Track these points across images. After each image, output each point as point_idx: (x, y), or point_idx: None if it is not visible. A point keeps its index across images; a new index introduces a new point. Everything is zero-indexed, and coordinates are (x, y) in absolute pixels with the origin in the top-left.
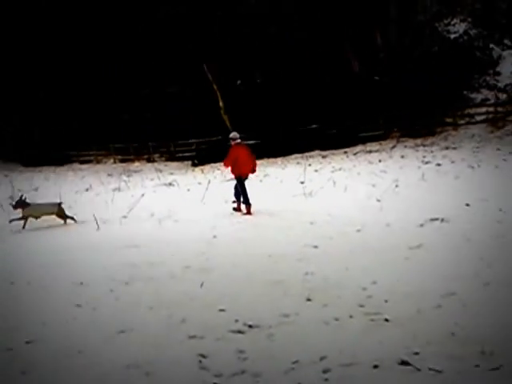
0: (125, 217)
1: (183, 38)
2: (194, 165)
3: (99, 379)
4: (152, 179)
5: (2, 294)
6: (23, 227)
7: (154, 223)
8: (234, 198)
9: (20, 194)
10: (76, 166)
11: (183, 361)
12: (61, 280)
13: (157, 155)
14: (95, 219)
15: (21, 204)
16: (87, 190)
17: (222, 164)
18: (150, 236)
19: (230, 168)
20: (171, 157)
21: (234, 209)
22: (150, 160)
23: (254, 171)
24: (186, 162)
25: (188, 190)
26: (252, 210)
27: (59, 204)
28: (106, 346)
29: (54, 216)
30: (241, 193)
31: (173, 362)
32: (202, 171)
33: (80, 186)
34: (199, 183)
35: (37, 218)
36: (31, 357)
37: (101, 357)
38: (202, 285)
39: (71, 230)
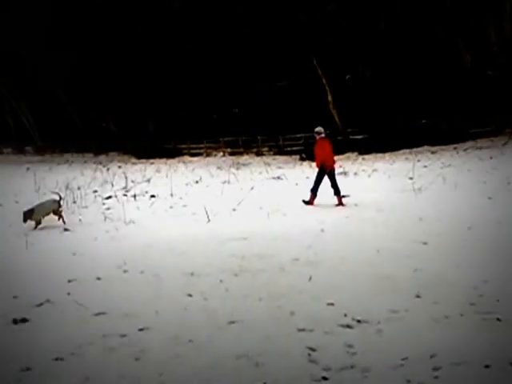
0: (234, 209)
1: (294, 33)
2: (302, 159)
3: (209, 368)
4: (260, 173)
5: (115, 282)
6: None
7: (262, 216)
8: (343, 193)
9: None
10: (186, 158)
11: (292, 353)
12: (173, 270)
13: (265, 149)
14: (205, 211)
15: (28, 214)
16: (197, 182)
17: (315, 161)
18: (259, 229)
19: (317, 163)
20: (279, 150)
21: (306, 202)
22: (258, 153)
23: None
24: (293, 156)
25: (296, 184)
26: (360, 204)
27: (59, 201)
28: (216, 336)
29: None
30: (315, 182)
31: (282, 353)
32: (310, 165)
33: (190, 178)
34: (307, 177)
35: (43, 217)
36: (144, 344)
37: (211, 346)
38: (310, 278)
39: (182, 222)
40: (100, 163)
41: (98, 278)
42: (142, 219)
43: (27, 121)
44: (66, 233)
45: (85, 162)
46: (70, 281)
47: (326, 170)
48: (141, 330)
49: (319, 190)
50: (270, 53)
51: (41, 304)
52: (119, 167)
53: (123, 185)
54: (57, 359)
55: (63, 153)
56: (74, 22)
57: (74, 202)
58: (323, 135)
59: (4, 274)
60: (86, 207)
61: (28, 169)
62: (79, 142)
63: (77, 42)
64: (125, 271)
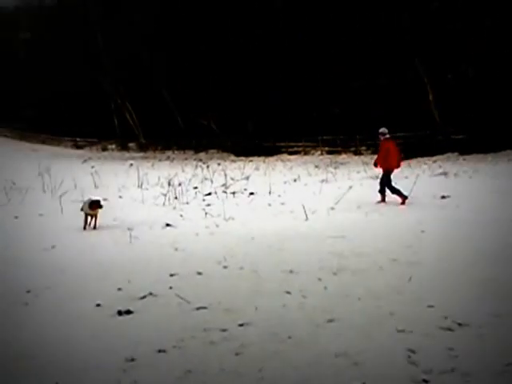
0: (332, 208)
1: (397, 32)
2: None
3: (308, 366)
4: (358, 172)
5: (216, 277)
6: (93, 226)
7: (360, 215)
8: (442, 193)
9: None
10: (284, 156)
11: (391, 354)
12: (271, 267)
13: (363, 148)
14: (304, 209)
15: (95, 204)
16: (295, 180)
17: (374, 161)
18: (357, 227)
19: (377, 162)
20: (377, 150)
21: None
22: (356, 153)
23: (399, 165)
24: None
25: (394, 183)
26: (461, 205)
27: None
28: (315, 334)
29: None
30: (387, 186)
31: (381, 354)
32: (410, 165)
33: (288, 176)
34: (406, 177)
35: None
36: (244, 339)
37: (310, 344)
38: (410, 279)
39: (281, 219)
40: (200, 160)
41: (199, 273)
42: (241, 216)
43: (131, 119)
44: (168, 228)
45: (185, 158)
46: (171, 275)
47: (392, 171)
48: (241, 325)
49: (404, 188)
50: (371, 52)
51: (144, 297)
52: (218, 164)
53: (223, 182)
54: (160, 351)
55: (165, 149)
56: (178, 22)
57: (176, 198)
58: (388, 136)
59: (109, 267)
60: (187, 203)
61: (131, 165)
62: (181, 140)
63: (181, 42)
64: (225, 267)
